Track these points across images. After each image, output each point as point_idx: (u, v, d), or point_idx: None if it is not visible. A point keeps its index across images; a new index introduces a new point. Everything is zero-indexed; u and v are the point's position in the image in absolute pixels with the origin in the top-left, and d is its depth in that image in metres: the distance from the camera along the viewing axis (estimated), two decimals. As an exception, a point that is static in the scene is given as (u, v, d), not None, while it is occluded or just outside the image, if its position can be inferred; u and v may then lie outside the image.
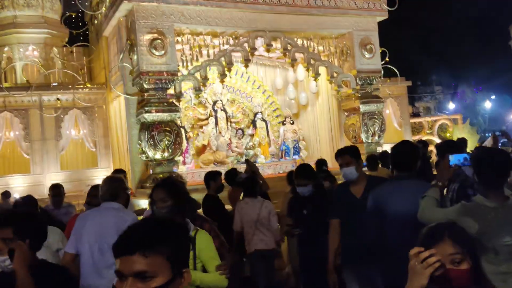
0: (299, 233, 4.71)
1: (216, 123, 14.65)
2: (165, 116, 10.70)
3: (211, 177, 6.32)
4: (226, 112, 14.90)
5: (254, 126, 15.37)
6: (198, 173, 12.69)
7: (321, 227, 4.29)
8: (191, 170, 13.42)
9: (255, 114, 15.45)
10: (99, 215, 3.49)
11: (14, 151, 12.25)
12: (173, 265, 1.43)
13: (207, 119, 14.74)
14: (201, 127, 14.71)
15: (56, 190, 5.80)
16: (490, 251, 2.64)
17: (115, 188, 3.65)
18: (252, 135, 15.28)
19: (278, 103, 15.93)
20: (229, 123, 14.98)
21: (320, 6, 12.09)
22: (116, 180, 3.83)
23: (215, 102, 14.70)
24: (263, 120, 15.50)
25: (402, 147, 3.67)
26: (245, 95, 15.61)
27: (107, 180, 3.80)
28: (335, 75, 12.61)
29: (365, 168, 6.81)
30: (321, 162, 7.36)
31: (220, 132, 14.69)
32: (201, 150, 14.55)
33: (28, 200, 5.28)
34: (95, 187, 5.46)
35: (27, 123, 11.94)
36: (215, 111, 14.74)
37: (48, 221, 3.82)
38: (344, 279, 4.20)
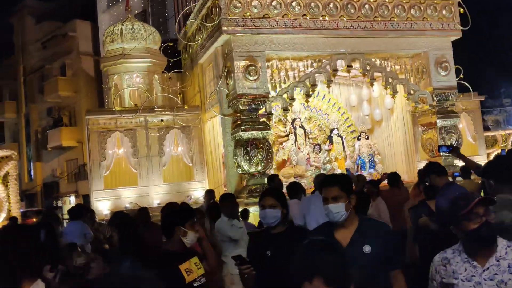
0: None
1: (295, 139, 15.78)
2: (257, 133, 11.93)
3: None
4: (304, 129, 16.01)
5: (331, 142, 16.36)
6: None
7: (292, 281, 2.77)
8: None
9: (331, 130, 16.45)
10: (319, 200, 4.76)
11: (122, 166, 13.91)
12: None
13: (287, 135, 15.89)
14: (281, 143, 15.87)
15: (211, 194, 7.07)
16: None
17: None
18: (329, 150, 16.26)
19: (353, 119, 16.84)
20: (307, 139, 16.06)
21: (397, 28, 12.98)
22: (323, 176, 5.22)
23: (294, 120, 15.84)
24: (339, 135, 16.46)
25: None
26: (321, 112, 16.64)
27: (318, 176, 5.39)
28: (412, 92, 13.39)
29: (459, 178, 7.53)
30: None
31: (299, 148, 15.79)
32: (281, 164, 15.67)
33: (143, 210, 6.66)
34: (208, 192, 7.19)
35: (135, 141, 13.60)
36: (294, 128, 15.89)
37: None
38: None
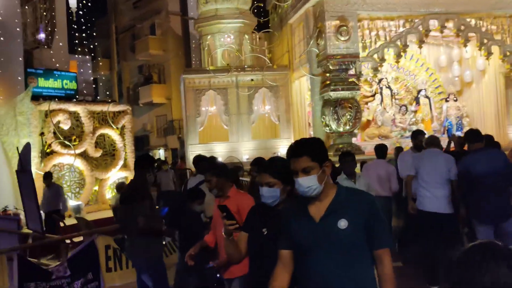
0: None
1: (381, 100, 15.82)
2: (347, 94, 12.22)
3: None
4: (390, 89, 15.97)
5: (417, 103, 16.21)
6: (364, 146, 14.09)
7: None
8: (358, 143, 14.82)
9: (419, 91, 16.25)
10: (434, 155, 5.38)
11: (214, 123, 14.84)
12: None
13: (373, 96, 15.95)
14: (366, 103, 15.96)
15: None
16: None
17: (435, 140, 5.60)
18: (415, 111, 16.14)
19: (441, 80, 16.48)
20: (393, 100, 16.03)
21: (497, -14, 12.46)
22: (435, 137, 5.80)
23: (380, 80, 15.82)
24: (426, 97, 16.24)
25: None
26: (409, 73, 16.42)
27: (431, 136, 5.85)
28: (508, 53, 12.92)
29: None
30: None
31: (384, 108, 15.84)
32: (365, 124, 15.83)
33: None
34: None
35: (226, 99, 14.40)
36: (381, 88, 15.89)
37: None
38: None
